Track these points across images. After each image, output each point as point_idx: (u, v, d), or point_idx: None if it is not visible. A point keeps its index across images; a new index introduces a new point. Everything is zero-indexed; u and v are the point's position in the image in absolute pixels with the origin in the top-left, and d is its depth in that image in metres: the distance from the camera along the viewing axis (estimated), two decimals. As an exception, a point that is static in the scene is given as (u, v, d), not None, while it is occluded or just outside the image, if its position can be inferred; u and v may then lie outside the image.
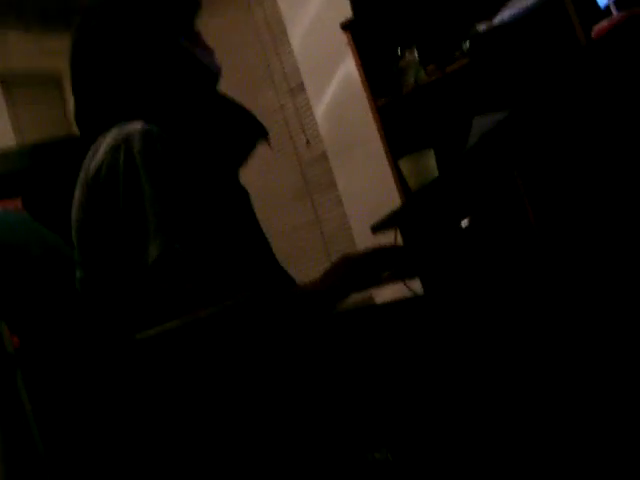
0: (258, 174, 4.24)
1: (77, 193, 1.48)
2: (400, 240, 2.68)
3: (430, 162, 2.59)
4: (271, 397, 1.27)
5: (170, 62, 1.56)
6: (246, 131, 1.69)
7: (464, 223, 1.58)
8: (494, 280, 1.45)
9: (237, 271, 1.44)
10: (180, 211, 1.36)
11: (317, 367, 1.32)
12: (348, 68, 3.66)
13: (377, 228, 2.68)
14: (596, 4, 2.12)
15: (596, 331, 1.35)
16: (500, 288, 1.44)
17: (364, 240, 3.70)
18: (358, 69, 3.20)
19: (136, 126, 1.42)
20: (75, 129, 4.59)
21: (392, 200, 3.09)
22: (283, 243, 4.35)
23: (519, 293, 1.41)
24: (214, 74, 1.64)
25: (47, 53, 5.28)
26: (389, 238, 2.80)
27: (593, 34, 1.88)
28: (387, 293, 1.82)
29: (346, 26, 3.19)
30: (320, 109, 4.06)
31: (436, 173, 2.63)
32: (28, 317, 1.56)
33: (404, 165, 2.68)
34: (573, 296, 1.39)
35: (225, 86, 1.68)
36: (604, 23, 1.83)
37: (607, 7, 1.99)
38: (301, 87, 4.17)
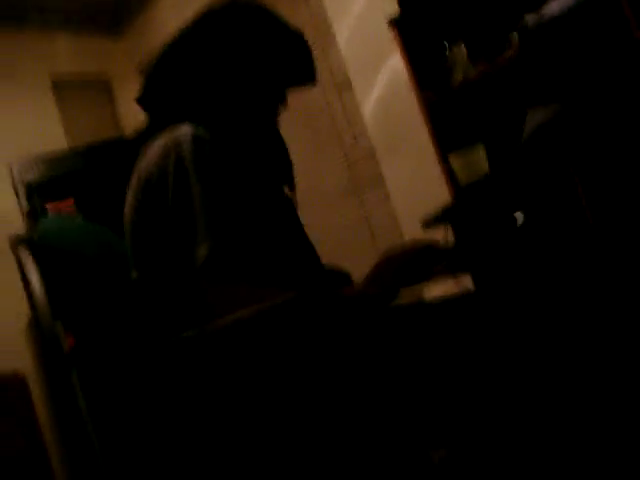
0: (306, 173, 4.24)
1: (129, 195, 1.53)
2: (450, 236, 2.67)
3: (481, 157, 2.58)
4: (325, 394, 1.27)
5: (247, 89, 1.62)
6: (283, 169, 1.74)
7: (519, 219, 1.56)
8: (548, 278, 1.43)
9: (283, 273, 1.46)
10: (228, 213, 1.39)
11: (371, 366, 1.32)
12: (395, 64, 3.63)
13: (428, 224, 2.67)
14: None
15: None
16: (553, 287, 1.42)
17: (413, 237, 3.69)
18: (405, 65, 3.18)
19: (186, 129, 1.47)
20: (123, 130, 4.67)
21: (441, 196, 3.08)
22: (332, 241, 4.32)
23: (572, 292, 1.39)
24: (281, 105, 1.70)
25: (96, 56, 5.35)
26: (439, 234, 2.79)
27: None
28: (437, 289, 1.79)
29: (392, 22, 3.17)
30: (367, 106, 4.04)
31: (486, 168, 2.62)
32: (83, 317, 1.59)
33: (454, 160, 2.67)
34: (627, 297, 1.36)
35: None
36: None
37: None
38: (348, 84, 4.14)
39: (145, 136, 1.61)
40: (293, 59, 1.69)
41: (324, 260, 1.73)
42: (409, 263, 1.46)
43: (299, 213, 1.72)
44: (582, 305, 1.37)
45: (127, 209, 1.53)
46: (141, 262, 1.50)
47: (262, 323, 1.23)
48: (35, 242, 1.66)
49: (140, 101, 1.67)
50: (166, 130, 1.51)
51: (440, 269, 1.53)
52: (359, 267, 4.10)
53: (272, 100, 1.68)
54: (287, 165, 1.75)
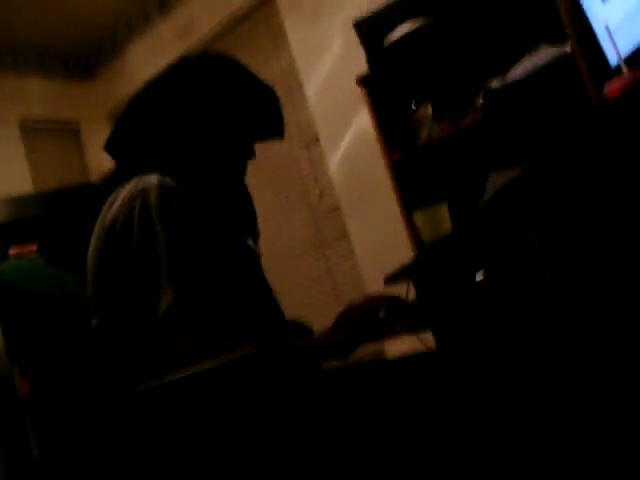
0: (272, 226, 4.27)
1: (93, 241, 1.51)
2: (412, 292, 2.69)
3: (444, 215, 2.62)
4: (273, 450, 1.27)
5: (215, 142, 1.62)
6: (248, 221, 1.76)
7: (478, 277, 1.59)
8: (508, 335, 1.46)
9: (244, 324, 1.45)
10: (191, 262, 1.39)
11: (325, 420, 1.31)
12: (363, 121, 3.72)
13: (390, 280, 2.68)
14: (607, 63, 2.16)
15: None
16: (513, 343, 1.44)
17: (375, 291, 3.71)
18: (373, 123, 3.23)
19: (153, 179, 1.46)
20: (91, 176, 4.66)
21: (404, 253, 3.09)
22: (296, 295, 4.37)
23: (532, 347, 1.41)
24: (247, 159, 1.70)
25: (67, 101, 5.36)
26: (401, 290, 2.81)
27: (605, 92, 1.91)
28: (398, 346, 1.81)
29: (362, 80, 3.24)
30: (334, 162, 4.11)
31: (449, 226, 2.65)
32: (40, 362, 1.57)
33: (418, 218, 2.70)
34: (584, 353, 1.39)
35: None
36: (615, 82, 1.86)
37: (618, 66, 2.03)
38: (316, 140, 4.21)
39: (112, 183, 1.59)
40: (262, 112, 1.71)
41: (288, 312, 1.72)
42: (371, 315, 1.46)
43: (264, 265, 1.72)
44: (541, 359, 1.39)
45: (90, 255, 1.52)
46: (102, 309, 1.48)
47: (222, 375, 1.23)
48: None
49: (108, 148, 1.67)
50: (133, 178, 1.51)
51: (402, 326, 1.54)
52: (321, 319, 4.11)
53: (240, 153, 1.68)
54: (251, 216, 1.75)
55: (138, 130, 1.63)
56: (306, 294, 4.38)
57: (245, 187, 1.75)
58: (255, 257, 1.70)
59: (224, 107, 1.63)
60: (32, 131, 5.16)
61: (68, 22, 4.99)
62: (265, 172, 4.41)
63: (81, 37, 5.28)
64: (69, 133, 5.44)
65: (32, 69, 5.27)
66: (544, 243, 1.45)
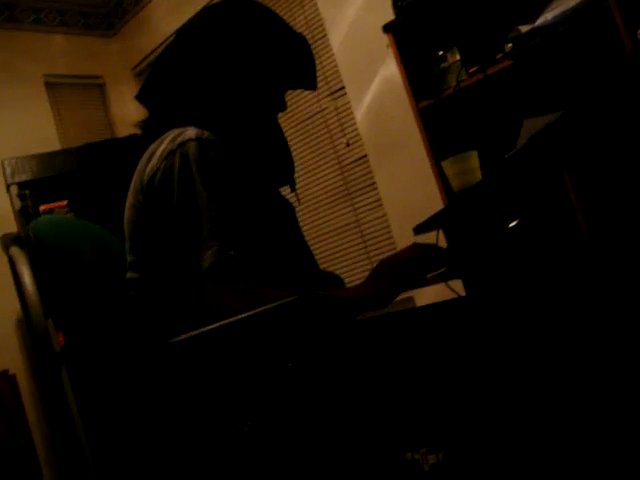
0: (299, 176, 4.27)
1: (130, 196, 1.51)
2: (442, 241, 2.68)
3: (474, 163, 2.58)
4: (318, 396, 1.28)
5: (248, 91, 1.60)
6: (284, 169, 1.75)
7: (512, 224, 1.58)
8: (540, 284, 1.45)
9: (283, 275, 1.47)
10: (233, 217, 1.39)
11: (362, 368, 1.33)
12: (389, 70, 3.68)
13: (420, 229, 2.67)
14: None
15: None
16: (545, 292, 1.44)
17: (404, 242, 3.70)
18: (400, 71, 3.19)
19: (191, 132, 1.45)
20: (117, 131, 4.67)
21: (433, 202, 3.09)
22: (325, 245, 4.40)
23: (565, 297, 1.40)
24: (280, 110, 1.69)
25: (90, 57, 5.35)
26: (431, 240, 2.80)
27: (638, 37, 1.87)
28: (429, 294, 1.82)
29: (388, 28, 3.19)
30: (360, 111, 4.07)
31: (479, 175, 2.63)
32: (76, 316, 1.59)
33: (448, 166, 2.67)
34: (621, 302, 1.38)
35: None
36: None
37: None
38: (342, 90, 4.17)
39: (144, 136, 1.60)
40: (294, 61, 1.68)
41: (319, 262, 1.73)
42: (406, 267, 1.45)
43: (297, 215, 1.73)
44: (575, 312, 1.39)
45: (127, 210, 1.52)
46: (142, 263, 1.49)
47: (262, 323, 1.23)
48: (29, 240, 1.63)
49: (140, 98, 1.66)
50: (169, 131, 1.50)
51: (433, 276, 1.53)
52: (351, 270, 4.13)
53: (272, 101, 1.66)
54: (289, 166, 1.74)
55: (171, 81, 1.61)
56: (335, 244, 4.39)
57: (282, 136, 1.74)
58: (290, 209, 1.70)
59: (255, 54, 1.61)
60: (57, 88, 5.16)
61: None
62: (291, 122, 4.40)
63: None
64: (94, 88, 5.44)
65: (54, 26, 5.25)
66: (579, 190, 1.44)
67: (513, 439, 1.28)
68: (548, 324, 1.39)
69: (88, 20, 5.47)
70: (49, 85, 5.10)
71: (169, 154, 1.43)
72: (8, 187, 4.08)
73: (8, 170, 4.11)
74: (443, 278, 1.47)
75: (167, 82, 1.62)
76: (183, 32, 1.64)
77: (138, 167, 1.52)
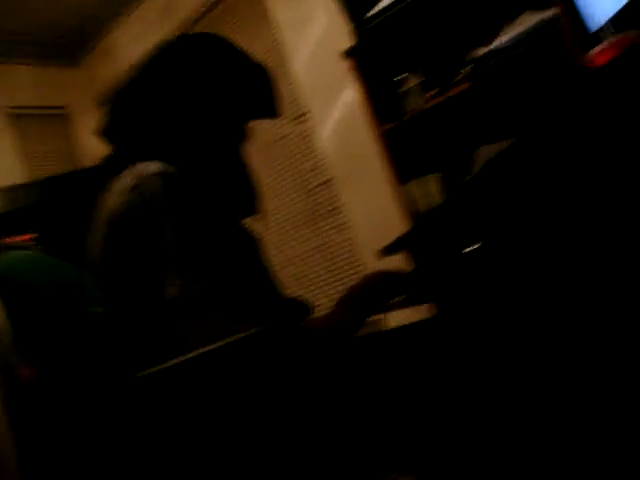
0: (265, 202, 4.27)
1: (95, 231, 1.51)
2: (407, 264, 2.70)
3: (437, 186, 2.63)
4: (281, 431, 1.29)
5: (208, 124, 1.61)
6: (249, 200, 1.74)
7: (471, 248, 1.61)
8: (507, 303, 1.47)
9: (247, 307, 1.46)
10: (197, 252, 1.40)
11: (333, 392, 1.34)
12: (351, 94, 3.71)
13: (386, 251, 2.69)
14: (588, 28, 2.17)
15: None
16: (513, 312, 1.46)
17: (370, 265, 3.73)
18: (362, 95, 3.23)
19: (154, 167, 1.46)
20: (82, 161, 4.62)
21: (398, 224, 3.12)
22: (292, 269, 4.40)
23: (532, 319, 1.42)
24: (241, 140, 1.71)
25: (53, 87, 5.33)
26: (397, 262, 2.82)
27: (589, 59, 1.91)
28: (397, 318, 1.82)
29: (348, 53, 3.23)
30: (324, 135, 4.11)
31: (442, 197, 2.67)
32: (46, 349, 1.58)
33: (411, 189, 2.71)
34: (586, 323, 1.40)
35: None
36: (601, 47, 1.86)
37: (601, 29, 2.04)
38: (304, 115, 4.21)
39: (107, 169, 1.60)
40: (253, 91, 1.68)
41: (286, 286, 1.73)
42: (371, 293, 1.47)
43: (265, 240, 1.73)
44: (541, 325, 1.41)
45: (93, 244, 1.52)
46: (108, 298, 1.48)
47: (231, 355, 1.25)
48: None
49: (104, 134, 1.67)
50: (132, 166, 1.51)
51: (400, 300, 1.55)
52: (319, 293, 4.13)
53: (234, 133, 1.68)
54: (252, 196, 1.74)
55: (132, 116, 1.62)
56: (302, 268, 4.39)
57: (244, 167, 1.74)
58: (253, 240, 1.71)
59: (216, 87, 1.62)
60: (19, 119, 5.12)
61: (47, 6, 4.93)
62: (255, 148, 4.39)
63: (62, 22, 5.21)
64: (58, 119, 5.41)
65: (15, 57, 5.21)
66: (537, 211, 1.47)
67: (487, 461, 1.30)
68: (517, 339, 1.41)
69: (51, 50, 5.44)
70: (13, 117, 5.08)
71: (133, 189, 1.43)
72: None
73: None
74: (405, 304, 1.49)
75: (129, 117, 1.63)
76: (144, 67, 1.64)
77: (101, 201, 1.52)
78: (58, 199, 4.05)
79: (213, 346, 1.23)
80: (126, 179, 1.47)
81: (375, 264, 3.20)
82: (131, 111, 1.62)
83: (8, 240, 4.02)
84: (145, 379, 1.30)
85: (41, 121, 5.32)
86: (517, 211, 1.48)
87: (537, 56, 2.66)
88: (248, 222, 1.74)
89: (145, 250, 1.38)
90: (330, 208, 4.21)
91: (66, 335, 1.54)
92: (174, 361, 1.26)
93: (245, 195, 1.73)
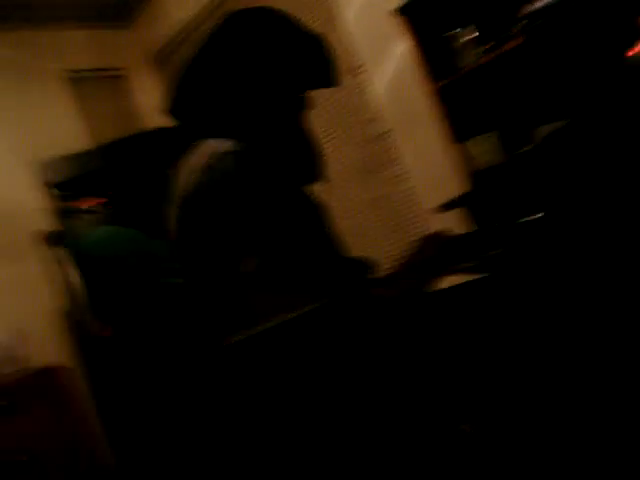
0: (325, 155, 4.27)
1: (171, 207, 1.58)
2: (466, 222, 2.73)
3: (495, 144, 2.62)
4: (358, 381, 1.36)
5: (273, 96, 1.66)
6: (313, 167, 1.77)
7: (536, 217, 1.64)
8: (564, 269, 1.50)
9: (317, 277, 1.52)
10: (270, 228, 1.46)
11: (406, 346, 1.40)
12: (404, 49, 3.67)
13: (446, 208, 2.71)
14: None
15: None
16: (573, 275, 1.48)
17: (429, 218, 3.78)
18: (415, 52, 3.22)
19: (226, 145, 1.52)
20: (143, 121, 4.70)
21: (454, 180, 3.16)
22: (352, 220, 4.42)
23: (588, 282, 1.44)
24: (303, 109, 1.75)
25: (109, 49, 5.38)
26: (454, 218, 2.84)
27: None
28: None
29: (401, 10, 3.21)
30: (380, 89, 4.09)
31: (501, 155, 2.66)
32: (127, 322, 1.69)
33: (470, 147, 2.70)
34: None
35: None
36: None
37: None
38: (360, 67, 4.18)
39: (174, 142, 1.66)
40: (311, 62, 1.71)
41: (349, 240, 1.78)
42: (434, 260, 1.52)
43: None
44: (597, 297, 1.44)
45: (170, 219, 1.58)
46: (187, 270, 1.56)
47: (302, 326, 1.31)
48: (80, 251, 1.77)
49: (171, 112, 1.72)
50: (204, 144, 1.56)
51: (459, 266, 1.59)
52: (380, 245, 4.14)
53: (295, 103, 1.72)
54: (315, 160, 1.77)
55: (197, 95, 1.67)
56: (363, 220, 4.41)
57: (306, 135, 1.77)
58: (317, 207, 1.73)
59: (274, 61, 1.65)
60: (80, 83, 5.20)
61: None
62: (315, 101, 4.35)
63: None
64: (116, 80, 5.48)
65: (71, 22, 5.27)
66: (602, 182, 1.48)
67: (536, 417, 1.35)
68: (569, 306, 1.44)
69: (102, 12, 5.47)
70: (72, 81, 5.15)
71: (208, 168, 1.49)
72: (40, 186, 4.15)
73: (43, 171, 4.21)
74: (468, 271, 1.54)
75: (194, 96, 1.68)
76: (205, 45, 1.69)
77: (174, 179, 1.58)
78: (123, 163, 4.15)
79: (282, 318, 1.30)
80: (199, 156, 1.54)
81: (434, 218, 3.25)
82: (196, 90, 1.67)
83: (85, 203, 4.16)
84: (225, 348, 1.39)
85: (99, 83, 5.38)
86: (577, 186, 1.50)
87: (597, 7, 2.60)
88: (313, 189, 1.76)
89: (221, 228, 1.45)
90: (387, 160, 4.20)
91: (145, 302, 1.67)
92: (251, 331, 1.34)
93: (309, 163, 1.76)
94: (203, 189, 1.49)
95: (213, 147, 1.53)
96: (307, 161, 1.76)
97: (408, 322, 1.44)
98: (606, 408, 1.32)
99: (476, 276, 1.49)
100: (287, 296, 1.41)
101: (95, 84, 5.34)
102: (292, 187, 1.66)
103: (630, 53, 1.76)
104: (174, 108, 1.72)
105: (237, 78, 1.63)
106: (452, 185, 3.14)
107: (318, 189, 1.76)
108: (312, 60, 1.72)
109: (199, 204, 1.50)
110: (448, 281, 1.49)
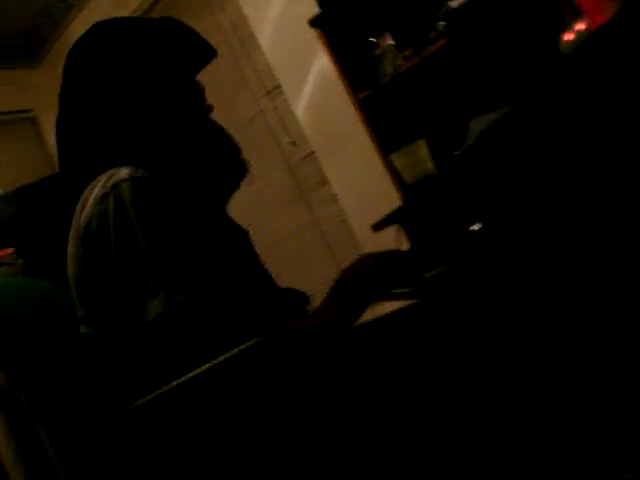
0: (248, 183, 4.16)
1: (70, 246, 1.44)
2: (403, 237, 2.62)
3: (423, 153, 2.53)
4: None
5: (162, 105, 1.53)
6: (231, 170, 1.65)
7: (474, 227, 1.51)
8: (509, 281, 1.38)
9: (238, 311, 1.39)
10: (178, 259, 1.31)
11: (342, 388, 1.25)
12: (323, 64, 3.58)
13: (378, 226, 2.62)
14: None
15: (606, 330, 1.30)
16: (516, 288, 1.37)
17: (364, 238, 3.64)
18: (333, 64, 3.11)
19: (124, 172, 1.37)
20: (56, 165, 4.47)
21: (388, 193, 3.05)
22: (284, 248, 4.28)
23: (533, 293, 1.35)
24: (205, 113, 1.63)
25: (18, 90, 5.21)
26: (391, 235, 2.74)
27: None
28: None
29: (314, 22, 3.10)
30: (300, 108, 3.99)
31: (430, 165, 2.56)
32: (32, 376, 1.49)
33: (397, 159, 2.62)
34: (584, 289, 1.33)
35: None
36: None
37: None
38: (278, 88, 4.09)
39: (81, 178, 1.50)
40: (177, 44, 1.60)
41: (281, 266, 1.74)
42: (366, 280, 1.37)
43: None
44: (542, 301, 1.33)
45: (69, 260, 1.44)
46: (91, 316, 1.41)
47: (227, 370, 1.17)
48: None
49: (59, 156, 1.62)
50: (101, 175, 1.42)
51: (400, 293, 1.46)
52: (314, 271, 4.04)
53: (189, 95, 1.60)
54: (233, 155, 1.66)
55: (85, 125, 1.54)
56: (295, 246, 4.29)
57: (210, 130, 1.65)
58: (242, 234, 1.63)
59: (144, 65, 1.53)
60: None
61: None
62: (231, 129, 4.27)
63: (16, 21, 5.07)
64: (26, 123, 5.28)
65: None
66: (537, 182, 1.37)
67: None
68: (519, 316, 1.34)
69: (10, 53, 5.28)
70: None
71: (102, 198, 1.35)
72: None
73: None
74: (409, 296, 1.40)
75: (81, 128, 1.55)
76: (70, 72, 1.58)
77: (74, 215, 1.44)
78: (34, 209, 3.96)
79: (200, 369, 1.15)
80: (95, 187, 1.39)
81: (368, 234, 3.14)
82: (79, 123, 1.55)
83: None
84: (135, 410, 1.22)
85: (8, 127, 5.18)
86: (518, 181, 1.39)
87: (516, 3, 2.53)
88: (234, 215, 1.65)
89: (121, 263, 1.30)
90: (315, 182, 4.10)
91: (53, 357, 1.43)
92: (163, 389, 1.18)
93: (226, 161, 1.64)
94: (98, 222, 1.35)
95: (108, 175, 1.39)
96: (223, 160, 1.64)
97: (334, 357, 1.29)
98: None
99: (411, 302, 1.38)
100: (205, 340, 1.24)
101: (4, 128, 5.12)
102: (210, 207, 1.55)
103: (565, 38, 1.65)
104: (62, 150, 1.61)
105: (110, 100, 1.51)
106: (386, 200, 3.01)
107: (244, 218, 1.69)
108: (175, 44, 1.60)
109: (95, 240, 1.35)
110: (381, 308, 1.36)
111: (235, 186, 1.64)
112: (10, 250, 3.91)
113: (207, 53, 1.66)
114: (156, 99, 1.53)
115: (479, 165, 1.42)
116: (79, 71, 1.54)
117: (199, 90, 1.62)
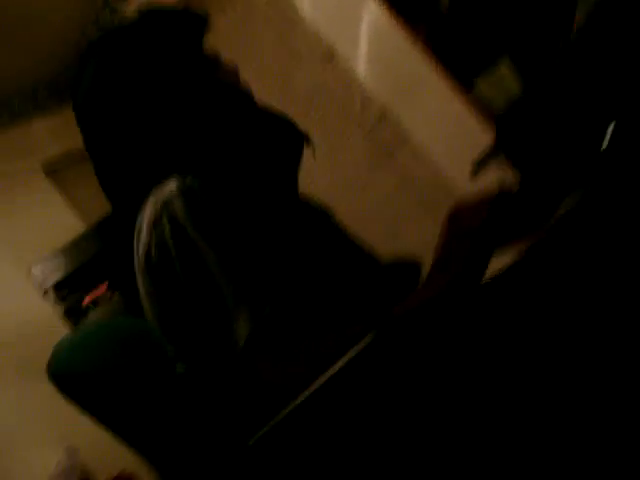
0: (323, 158, 4.04)
1: (138, 282, 1.37)
2: (508, 177, 2.38)
3: (508, 73, 2.32)
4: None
5: (191, 97, 1.45)
6: (287, 145, 1.53)
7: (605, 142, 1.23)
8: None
9: (340, 306, 1.26)
10: (254, 266, 1.23)
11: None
12: (372, 11, 3.39)
13: (477, 169, 2.44)
14: None
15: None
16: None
17: (464, 184, 3.36)
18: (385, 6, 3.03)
19: (171, 186, 1.30)
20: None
21: (480, 135, 2.90)
22: (376, 218, 4.07)
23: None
24: (243, 93, 1.52)
25: (74, 129, 5.19)
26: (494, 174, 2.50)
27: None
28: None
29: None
30: (360, 66, 3.80)
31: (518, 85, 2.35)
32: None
33: (481, 85, 2.41)
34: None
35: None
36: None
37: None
38: (331, 52, 3.90)
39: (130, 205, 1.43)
40: (170, 32, 1.50)
41: (376, 245, 1.57)
42: (480, 238, 1.21)
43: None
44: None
45: (142, 298, 1.38)
46: (181, 353, 1.34)
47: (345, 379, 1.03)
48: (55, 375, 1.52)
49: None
50: (150, 195, 1.35)
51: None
52: (417, 232, 3.84)
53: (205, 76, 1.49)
54: (289, 129, 1.52)
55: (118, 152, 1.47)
56: (389, 213, 4.10)
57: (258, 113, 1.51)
58: (319, 216, 1.53)
59: (150, 71, 1.45)
60: (57, 170, 4.99)
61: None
62: (293, 107, 4.15)
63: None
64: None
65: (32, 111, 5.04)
66: None
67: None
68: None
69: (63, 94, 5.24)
70: (47, 169, 4.95)
71: (155, 223, 1.28)
72: (45, 293, 3.96)
73: (39, 276, 4.00)
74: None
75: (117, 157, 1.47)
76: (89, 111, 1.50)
77: (133, 245, 1.37)
78: (117, 240, 3.97)
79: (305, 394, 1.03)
80: (146, 211, 1.32)
81: (469, 186, 2.92)
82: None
83: (89, 297, 3.99)
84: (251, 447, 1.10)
85: (75, 165, 4.91)
86: None
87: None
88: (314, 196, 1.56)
89: (194, 289, 1.22)
90: (396, 141, 3.88)
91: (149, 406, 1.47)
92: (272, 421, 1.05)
93: (282, 138, 1.51)
94: (158, 252, 1.27)
95: (157, 196, 1.31)
96: (273, 138, 1.51)
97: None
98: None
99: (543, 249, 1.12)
100: (304, 350, 1.16)
101: (72, 166, 5.00)
102: (276, 195, 1.45)
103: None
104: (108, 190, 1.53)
105: (134, 119, 1.43)
106: (476, 142, 2.80)
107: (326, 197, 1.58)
108: (166, 34, 1.51)
109: (157, 269, 1.28)
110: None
111: (296, 162, 1.53)
112: (103, 286, 3.93)
113: (196, 23, 1.55)
114: (176, 97, 1.44)
115: (592, 53, 1.16)
116: (97, 103, 1.45)
117: (214, 62, 1.52)
